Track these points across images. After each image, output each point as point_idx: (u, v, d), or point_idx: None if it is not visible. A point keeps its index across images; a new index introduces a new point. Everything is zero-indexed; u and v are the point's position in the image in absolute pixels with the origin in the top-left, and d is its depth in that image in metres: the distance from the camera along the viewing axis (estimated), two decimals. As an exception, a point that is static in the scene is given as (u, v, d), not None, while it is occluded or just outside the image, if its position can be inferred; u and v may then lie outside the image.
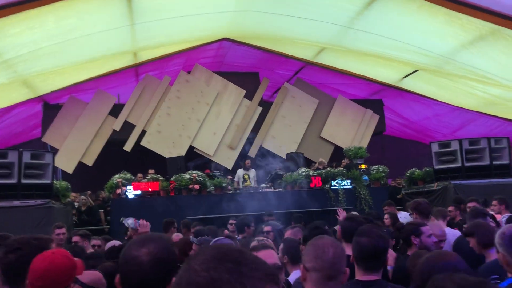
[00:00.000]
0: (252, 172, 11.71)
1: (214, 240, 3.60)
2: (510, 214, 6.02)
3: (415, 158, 14.05)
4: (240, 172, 11.71)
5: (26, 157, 8.44)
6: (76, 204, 10.46)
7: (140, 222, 3.66)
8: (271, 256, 2.68)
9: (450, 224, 5.84)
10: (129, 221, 3.78)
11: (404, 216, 7.35)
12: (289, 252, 3.55)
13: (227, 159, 12.81)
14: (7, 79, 9.05)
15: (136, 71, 12.66)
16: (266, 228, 5.46)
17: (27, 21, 7.15)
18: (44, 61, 9.05)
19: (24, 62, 8.59)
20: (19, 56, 8.20)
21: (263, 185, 11.26)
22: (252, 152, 13.18)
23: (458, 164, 10.22)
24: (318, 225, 4.23)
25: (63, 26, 8.03)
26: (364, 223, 3.58)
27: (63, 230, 6.07)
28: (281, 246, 3.68)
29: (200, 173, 10.45)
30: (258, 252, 2.63)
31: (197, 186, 10.13)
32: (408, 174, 11.53)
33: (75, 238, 5.85)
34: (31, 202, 8.25)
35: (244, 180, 11.45)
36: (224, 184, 10.56)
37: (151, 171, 10.78)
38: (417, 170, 11.40)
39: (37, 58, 8.67)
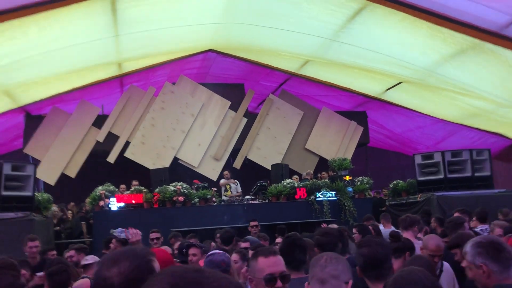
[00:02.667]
0: (235, 183, 11.69)
1: (208, 254, 3.51)
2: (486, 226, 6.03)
3: (398, 169, 14.18)
4: (223, 181, 11.76)
5: (7, 169, 8.29)
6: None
7: (130, 231, 3.52)
8: (279, 263, 2.59)
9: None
10: (119, 232, 3.65)
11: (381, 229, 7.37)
12: None
13: (212, 170, 12.75)
14: (-13, 89, 8.92)
15: (120, 82, 12.58)
16: (243, 245, 5.35)
17: (9, 32, 7.07)
18: (26, 71, 8.95)
19: (6, 72, 8.48)
20: (0, 67, 8.09)
21: (247, 196, 11.24)
22: (237, 163, 13.16)
23: (441, 176, 10.32)
24: (292, 237, 4.19)
25: (46, 36, 7.96)
26: (339, 237, 3.62)
27: (36, 243, 5.94)
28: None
29: (185, 185, 10.38)
30: (267, 258, 2.57)
31: (181, 198, 10.05)
32: (392, 186, 11.60)
33: (70, 252, 5.73)
34: (11, 214, 8.08)
35: (225, 190, 11.44)
36: (208, 196, 10.50)
37: (135, 182, 10.67)
38: (400, 181, 11.48)
39: (19, 68, 8.57)
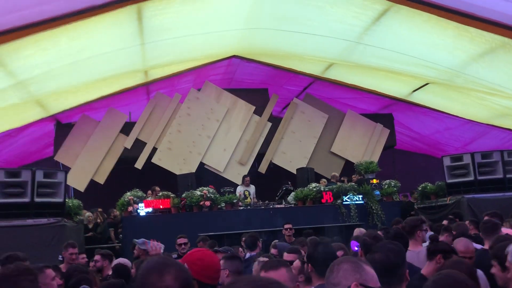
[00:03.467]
0: (252, 189, 11.62)
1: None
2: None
3: (426, 172, 13.92)
4: (240, 188, 11.60)
5: (39, 176, 8.52)
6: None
7: (151, 243, 3.50)
8: (281, 277, 2.54)
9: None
10: (140, 242, 3.65)
11: None
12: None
13: (237, 175, 12.80)
14: (20, 99, 9.19)
15: (147, 89, 12.80)
16: (273, 251, 5.36)
17: (40, 43, 7.28)
18: (56, 80, 9.19)
19: (37, 82, 8.73)
20: (32, 77, 8.34)
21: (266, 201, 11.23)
22: (262, 168, 13.18)
23: (471, 178, 10.10)
24: (320, 241, 4.16)
25: (75, 46, 8.17)
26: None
27: (76, 250, 6.08)
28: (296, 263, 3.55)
29: (211, 190, 10.46)
30: (267, 272, 2.54)
31: (208, 203, 10.13)
32: (420, 189, 11.42)
33: (96, 257, 5.85)
34: (44, 220, 8.30)
35: (245, 197, 11.36)
36: (234, 200, 10.55)
37: (157, 188, 10.75)
38: (429, 184, 11.29)
39: (49, 78, 8.81)
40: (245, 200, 11.20)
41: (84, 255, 6.52)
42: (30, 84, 8.66)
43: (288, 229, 7.84)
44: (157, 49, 9.66)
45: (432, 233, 6.84)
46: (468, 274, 2.70)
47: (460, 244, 4.01)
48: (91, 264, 6.10)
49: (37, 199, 8.41)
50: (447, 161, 10.50)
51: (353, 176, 12.12)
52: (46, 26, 6.83)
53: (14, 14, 6.31)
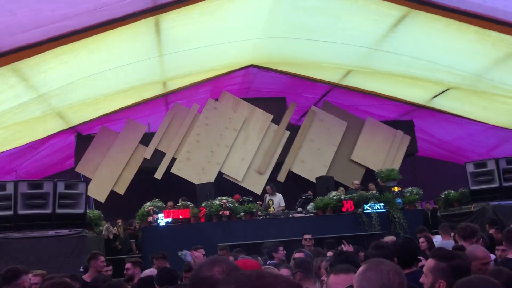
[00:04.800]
0: (277, 197, 11.49)
1: None
2: None
3: (449, 179, 13.65)
4: (267, 197, 11.59)
5: (61, 187, 8.63)
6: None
7: (195, 254, 3.71)
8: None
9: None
10: (185, 254, 3.86)
11: (436, 240, 7.09)
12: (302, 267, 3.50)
13: (256, 184, 12.76)
14: (41, 112, 9.35)
15: (165, 100, 12.90)
16: (297, 255, 5.31)
17: (61, 56, 7.40)
18: (76, 93, 9.33)
19: (58, 95, 8.87)
20: (53, 90, 8.48)
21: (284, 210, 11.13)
22: (281, 177, 13.11)
23: (496, 184, 9.87)
24: (343, 251, 4.11)
25: (95, 59, 8.29)
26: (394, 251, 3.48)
27: (103, 258, 6.12)
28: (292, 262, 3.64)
29: (230, 199, 10.43)
30: (337, 275, 2.47)
31: (227, 212, 10.10)
32: (443, 196, 11.19)
33: (127, 265, 5.91)
34: (65, 231, 8.40)
35: (268, 206, 11.30)
36: (254, 210, 10.49)
37: (170, 203, 10.70)
38: (452, 191, 11.06)
39: (70, 90, 8.95)
40: (269, 209, 11.12)
41: (110, 267, 6.55)
42: (51, 97, 8.80)
43: (308, 239, 7.76)
44: (175, 60, 9.75)
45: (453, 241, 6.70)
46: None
47: (479, 250, 3.91)
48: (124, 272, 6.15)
49: (58, 210, 8.51)
50: (470, 168, 10.28)
51: (370, 184, 11.92)
52: (66, 40, 6.95)
53: (36, 30, 6.43)
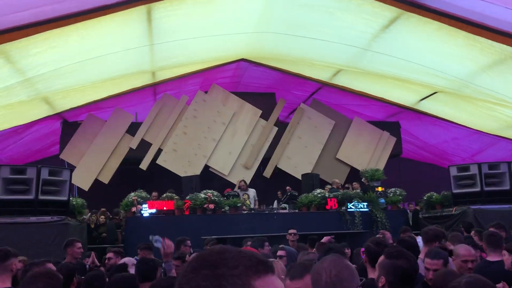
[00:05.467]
0: (252, 192, 11.43)
1: None
2: None
3: (432, 181, 13.83)
4: (238, 192, 11.31)
5: (44, 174, 8.50)
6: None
7: (166, 241, 3.70)
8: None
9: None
10: (156, 240, 3.85)
11: (419, 241, 7.19)
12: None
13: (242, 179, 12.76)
14: (27, 97, 9.22)
15: (154, 90, 12.81)
16: (279, 253, 5.35)
17: (50, 40, 7.31)
18: (64, 79, 9.22)
19: (45, 80, 8.75)
20: (40, 75, 8.36)
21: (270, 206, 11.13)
22: (267, 172, 13.14)
23: (477, 189, 10.03)
24: (331, 247, 4.14)
25: (84, 45, 8.19)
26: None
27: (80, 245, 6.08)
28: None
29: (215, 193, 10.42)
30: (292, 281, 2.44)
31: (212, 206, 10.09)
32: (425, 198, 11.33)
33: (108, 255, 5.89)
34: (47, 218, 8.29)
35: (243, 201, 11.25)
36: (239, 204, 10.50)
37: (154, 193, 10.66)
38: (434, 194, 11.20)
39: (58, 76, 8.83)
40: (246, 204, 11.10)
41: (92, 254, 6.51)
42: (38, 81, 8.68)
43: (293, 234, 7.79)
44: (165, 50, 9.68)
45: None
46: None
47: (463, 248, 3.99)
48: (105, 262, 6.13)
49: (41, 197, 8.40)
50: (453, 171, 10.42)
51: (354, 183, 12.02)
52: (56, 24, 6.86)
53: (25, 12, 6.33)
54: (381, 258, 2.80)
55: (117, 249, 6.10)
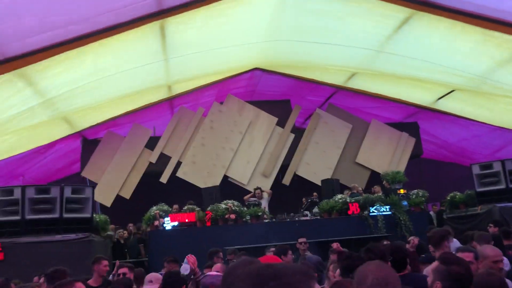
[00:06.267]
0: (265, 200, 11.37)
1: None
2: None
3: (455, 181, 13.62)
4: (249, 200, 11.29)
5: (67, 192, 8.65)
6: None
7: (190, 259, 3.74)
8: None
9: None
10: (184, 269, 3.93)
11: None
12: None
13: (261, 188, 12.74)
14: (48, 117, 9.41)
15: (170, 104, 12.95)
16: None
17: (67, 61, 7.46)
18: (82, 98, 9.39)
19: (64, 100, 8.93)
20: (59, 95, 8.54)
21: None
22: (286, 179, 13.11)
23: (502, 186, 9.83)
24: (350, 255, 4.12)
25: (101, 63, 8.35)
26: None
27: (107, 262, 6.14)
28: None
29: (236, 202, 10.43)
30: None
31: (233, 216, 10.10)
32: (449, 198, 11.15)
33: (122, 270, 5.90)
34: (72, 236, 8.41)
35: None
36: (260, 213, 10.49)
37: (175, 206, 10.69)
38: (458, 193, 11.02)
39: (76, 95, 9.01)
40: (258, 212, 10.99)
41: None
42: (57, 101, 8.86)
43: (303, 243, 7.71)
44: (180, 64, 9.79)
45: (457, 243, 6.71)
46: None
47: (489, 249, 3.92)
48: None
49: (65, 215, 8.54)
50: (476, 169, 10.25)
51: (375, 187, 11.86)
52: (72, 45, 7.00)
53: (42, 35, 6.49)
54: (436, 263, 2.86)
55: (131, 265, 6.13)
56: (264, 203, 11.23)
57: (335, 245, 6.32)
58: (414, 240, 7.06)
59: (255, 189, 11.56)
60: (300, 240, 7.80)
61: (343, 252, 5.99)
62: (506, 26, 7.49)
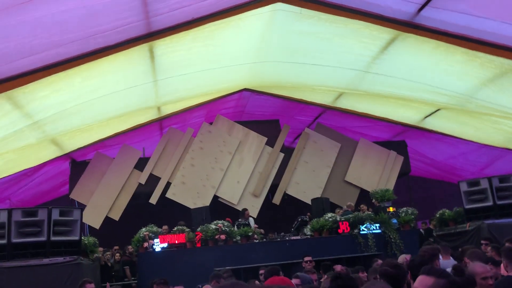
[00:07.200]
0: (252, 222, 11.36)
1: None
2: None
3: (443, 198, 13.74)
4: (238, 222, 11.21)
5: (55, 214, 8.53)
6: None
7: None
8: None
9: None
10: None
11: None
12: None
13: (252, 207, 12.71)
14: (36, 139, 9.36)
15: (160, 125, 12.96)
16: (294, 281, 5.26)
17: (55, 83, 7.47)
18: (71, 120, 9.37)
19: (52, 122, 8.90)
20: (47, 117, 8.52)
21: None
22: (276, 199, 13.10)
23: (490, 203, 9.90)
24: (339, 275, 4.10)
25: (89, 85, 8.37)
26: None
27: (93, 285, 6.05)
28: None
29: (226, 223, 10.38)
30: None
31: (223, 236, 10.04)
32: (438, 215, 11.20)
33: None
34: (60, 259, 8.27)
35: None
36: (250, 233, 10.44)
37: (165, 227, 10.62)
38: (447, 210, 11.08)
39: (64, 117, 8.99)
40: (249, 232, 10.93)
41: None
42: (45, 124, 8.83)
43: (308, 262, 7.72)
44: (169, 85, 9.84)
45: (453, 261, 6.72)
46: None
47: (478, 265, 3.95)
48: None
49: (53, 238, 8.41)
50: (464, 187, 10.32)
51: (362, 205, 11.87)
52: (60, 68, 7.03)
53: (30, 57, 6.51)
54: (431, 280, 2.63)
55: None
56: (252, 223, 11.20)
57: (338, 268, 6.28)
58: (406, 257, 7.06)
59: (245, 211, 11.53)
60: (306, 258, 7.80)
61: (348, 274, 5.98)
62: (488, 47, 7.69)
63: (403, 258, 6.86)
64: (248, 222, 11.08)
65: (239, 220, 11.08)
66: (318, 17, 8.02)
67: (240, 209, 12.48)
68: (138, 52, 7.92)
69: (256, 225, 11.33)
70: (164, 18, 7.15)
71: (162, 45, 8.00)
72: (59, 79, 7.38)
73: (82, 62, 7.19)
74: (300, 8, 7.83)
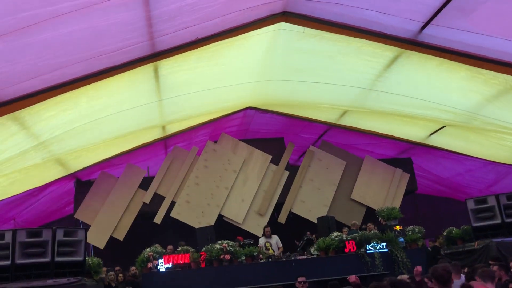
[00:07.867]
0: (274, 239, 11.34)
1: None
2: None
3: (450, 216, 13.57)
4: (261, 240, 11.32)
5: (60, 235, 8.48)
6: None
7: None
8: None
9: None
10: None
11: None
12: None
13: (257, 226, 12.63)
14: (42, 159, 9.39)
15: (165, 144, 12.98)
16: None
17: (61, 104, 7.52)
18: (77, 139, 9.41)
19: (58, 142, 8.94)
20: (53, 137, 8.55)
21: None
22: (282, 218, 13.00)
23: (498, 221, 9.77)
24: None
25: (95, 105, 8.42)
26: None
27: None
28: None
29: (231, 243, 10.29)
30: None
31: (228, 256, 9.94)
32: (445, 234, 11.06)
33: None
34: (64, 280, 8.20)
35: (266, 249, 11.07)
36: (255, 253, 10.33)
37: (169, 247, 10.58)
38: (454, 228, 10.94)
39: (70, 137, 9.02)
40: (268, 252, 10.94)
41: None
42: (51, 144, 8.86)
43: (302, 283, 7.59)
44: (174, 104, 9.89)
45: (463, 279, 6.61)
46: None
47: (477, 285, 3.90)
48: None
49: (57, 259, 8.34)
50: (471, 204, 10.21)
51: (368, 224, 11.74)
52: (66, 88, 7.08)
53: (36, 78, 6.56)
54: None
55: None
56: (275, 247, 11.17)
57: (353, 278, 6.16)
58: (417, 268, 6.96)
59: (264, 228, 11.57)
60: (300, 279, 7.68)
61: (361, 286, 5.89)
62: (491, 64, 7.69)
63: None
64: (269, 241, 11.04)
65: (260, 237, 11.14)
66: (321, 35, 8.08)
67: (246, 229, 12.45)
68: (143, 72, 7.98)
69: (281, 246, 11.25)
70: (168, 39, 7.22)
71: (167, 65, 8.06)
72: (65, 99, 7.43)
73: (88, 82, 7.24)
74: (303, 27, 7.91)
